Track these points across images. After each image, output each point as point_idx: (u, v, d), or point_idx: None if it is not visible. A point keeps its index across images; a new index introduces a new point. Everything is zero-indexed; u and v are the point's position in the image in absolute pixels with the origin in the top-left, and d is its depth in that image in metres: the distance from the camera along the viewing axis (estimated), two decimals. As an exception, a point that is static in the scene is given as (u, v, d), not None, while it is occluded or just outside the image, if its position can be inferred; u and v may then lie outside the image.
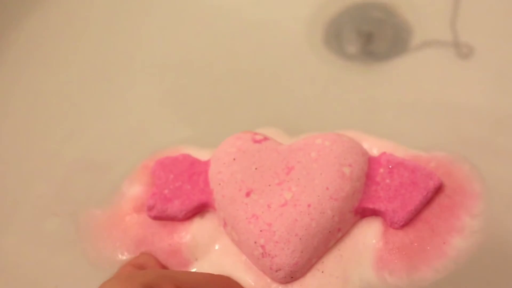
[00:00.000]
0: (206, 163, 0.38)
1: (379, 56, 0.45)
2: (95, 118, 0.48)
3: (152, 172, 0.39)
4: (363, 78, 0.44)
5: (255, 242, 0.33)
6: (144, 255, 0.36)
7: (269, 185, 0.35)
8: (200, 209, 0.37)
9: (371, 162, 0.36)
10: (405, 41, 0.45)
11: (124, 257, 0.37)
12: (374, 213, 0.35)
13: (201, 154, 0.39)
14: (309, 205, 0.33)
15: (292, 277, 0.33)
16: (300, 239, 0.33)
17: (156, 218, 0.38)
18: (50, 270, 0.40)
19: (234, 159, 0.36)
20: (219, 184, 0.36)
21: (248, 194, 0.34)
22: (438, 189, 0.35)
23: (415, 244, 0.33)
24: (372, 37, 0.46)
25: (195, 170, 0.38)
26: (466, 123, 0.41)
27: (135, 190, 0.40)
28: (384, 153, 0.37)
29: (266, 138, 0.37)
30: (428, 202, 0.35)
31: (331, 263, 0.34)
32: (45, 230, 0.41)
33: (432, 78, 0.43)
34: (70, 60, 0.52)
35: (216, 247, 0.36)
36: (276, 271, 0.33)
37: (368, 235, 0.35)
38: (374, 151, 0.38)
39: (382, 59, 0.45)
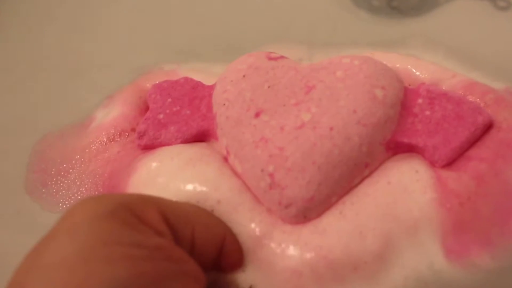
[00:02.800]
0: (211, 87, 0.32)
1: (408, 10, 0.41)
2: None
3: (148, 96, 0.33)
4: (390, 33, 0.39)
5: (262, 170, 0.27)
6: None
7: (284, 105, 0.29)
8: (199, 138, 0.31)
9: (408, 93, 0.30)
10: None
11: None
12: (411, 149, 0.29)
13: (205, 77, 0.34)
14: (331, 128, 0.27)
15: (305, 216, 0.27)
16: (318, 168, 0.26)
17: (147, 147, 0.32)
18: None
19: (243, 76, 0.30)
20: (224, 104, 0.29)
21: (257, 115, 0.28)
22: (489, 127, 0.29)
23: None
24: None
25: (197, 94, 0.32)
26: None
27: (114, 114, 0.35)
28: (423, 83, 0.30)
29: (283, 57, 0.31)
30: (476, 140, 0.28)
31: (356, 205, 0.27)
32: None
33: (469, 31, 0.38)
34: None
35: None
36: (286, 206, 0.27)
37: (413, 183, 0.27)
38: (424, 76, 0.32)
39: (410, 14, 0.41)
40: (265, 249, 0.27)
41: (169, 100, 0.32)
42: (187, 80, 0.33)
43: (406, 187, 0.27)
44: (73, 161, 0.34)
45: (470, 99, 0.30)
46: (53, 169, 0.34)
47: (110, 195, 0.24)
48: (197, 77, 0.33)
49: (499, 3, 0.40)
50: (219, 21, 0.44)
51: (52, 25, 0.46)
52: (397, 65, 0.31)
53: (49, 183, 0.34)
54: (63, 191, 0.33)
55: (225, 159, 0.29)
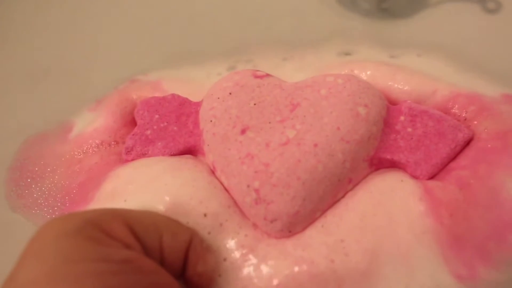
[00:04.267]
0: (198, 104, 0.33)
1: (397, 12, 0.41)
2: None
3: (135, 112, 0.34)
4: (379, 35, 0.39)
5: (248, 186, 0.28)
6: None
7: (269, 122, 0.29)
8: (186, 154, 0.32)
9: (390, 110, 0.31)
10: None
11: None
12: (393, 165, 0.29)
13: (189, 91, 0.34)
14: (315, 145, 0.28)
15: (290, 231, 0.27)
16: (303, 183, 0.27)
17: (134, 162, 0.32)
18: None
19: (230, 93, 0.31)
20: (211, 121, 0.30)
21: (243, 132, 0.29)
22: (469, 141, 0.30)
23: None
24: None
25: (184, 110, 0.33)
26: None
27: (97, 124, 0.35)
28: (405, 101, 0.31)
29: (268, 75, 0.32)
30: (456, 155, 0.29)
31: (337, 218, 0.28)
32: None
33: (458, 33, 0.38)
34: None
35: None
36: (272, 221, 0.27)
37: (398, 191, 0.28)
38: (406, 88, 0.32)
39: (400, 15, 0.41)
40: (248, 263, 0.27)
41: (157, 116, 0.33)
42: (174, 96, 0.33)
43: (392, 197, 0.27)
44: (50, 168, 0.34)
45: (454, 112, 0.31)
46: (29, 174, 0.34)
47: (76, 213, 0.24)
48: (181, 86, 0.34)
49: (488, 5, 0.41)
50: (204, 24, 0.44)
51: (38, 29, 0.47)
52: (380, 82, 0.32)
53: (23, 186, 0.34)
54: (36, 196, 0.33)
55: (212, 172, 0.30)
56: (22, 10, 0.48)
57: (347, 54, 0.37)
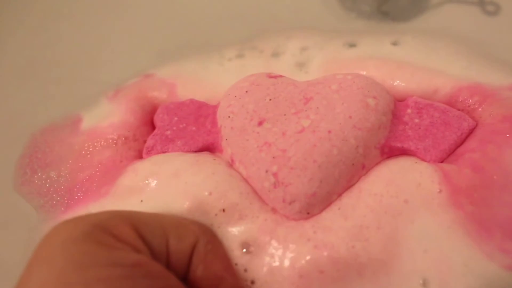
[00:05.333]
0: (215, 106, 0.35)
1: (398, 14, 0.43)
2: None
3: (155, 116, 0.35)
4: (380, 37, 0.40)
5: (267, 171, 0.29)
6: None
7: (285, 115, 0.31)
8: (205, 151, 0.33)
9: (397, 105, 0.33)
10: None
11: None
12: (403, 152, 0.31)
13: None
14: (329, 131, 0.29)
15: (308, 213, 0.29)
16: (319, 166, 0.28)
17: (154, 161, 0.33)
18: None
19: (246, 91, 0.33)
20: (229, 117, 0.32)
21: (260, 124, 0.31)
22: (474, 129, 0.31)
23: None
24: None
25: (202, 112, 0.35)
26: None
27: (115, 118, 0.36)
28: (411, 96, 0.33)
29: (281, 75, 0.34)
30: (462, 142, 0.31)
31: (355, 202, 0.29)
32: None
33: (459, 35, 0.39)
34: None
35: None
36: (290, 203, 0.28)
37: (413, 172, 0.29)
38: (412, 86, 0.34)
39: (402, 17, 0.42)
40: (269, 247, 0.28)
41: (176, 118, 0.34)
42: (192, 101, 0.35)
43: (407, 177, 0.29)
44: (59, 158, 0.35)
45: (459, 104, 0.32)
46: (37, 162, 0.35)
47: (83, 216, 0.23)
48: (195, 87, 0.36)
49: (488, 7, 0.42)
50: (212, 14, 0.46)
51: (54, 22, 0.48)
52: (388, 80, 0.34)
53: (29, 173, 0.35)
54: (47, 186, 0.34)
55: (230, 165, 0.31)
56: (30, 5, 0.50)
57: (351, 45, 0.39)
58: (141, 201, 0.30)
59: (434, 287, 0.26)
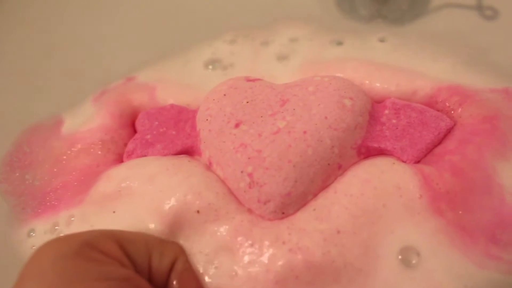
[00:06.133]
0: (195, 111, 0.35)
1: (395, 19, 0.43)
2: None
3: (136, 121, 0.36)
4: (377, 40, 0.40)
5: (242, 172, 0.29)
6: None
7: (261, 116, 0.31)
8: (184, 154, 0.33)
9: (375, 106, 0.33)
10: (425, 3, 0.43)
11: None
12: (380, 153, 0.31)
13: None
14: (305, 132, 0.29)
15: (283, 212, 0.28)
16: (294, 166, 0.28)
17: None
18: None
19: (224, 94, 0.33)
20: (207, 119, 0.32)
21: (237, 126, 0.31)
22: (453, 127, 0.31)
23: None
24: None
25: (182, 117, 0.35)
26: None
27: (95, 123, 0.36)
28: (388, 98, 0.33)
29: (259, 79, 0.34)
30: (440, 142, 0.31)
31: (330, 204, 0.29)
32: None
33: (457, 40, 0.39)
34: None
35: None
36: (265, 203, 0.28)
37: (390, 173, 0.29)
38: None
39: (398, 22, 0.42)
40: (244, 248, 0.28)
41: (156, 123, 0.35)
42: (173, 106, 0.36)
43: (383, 178, 0.28)
44: (37, 159, 0.35)
45: (438, 104, 0.33)
46: (16, 161, 0.36)
47: (71, 235, 0.25)
48: (176, 91, 0.37)
49: (486, 12, 0.42)
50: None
51: (40, 25, 0.49)
52: (366, 82, 0.34)
53: (13, 176, 0.35)
54: (22, 188, 0.34)
55: (208, 168, 0.31)
56: (11, 9, 0.51)
57: (338, 43, 0.39)
58: (114, 212, 0.30)
59: None
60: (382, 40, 0.39)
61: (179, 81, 0.38)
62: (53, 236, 0.31)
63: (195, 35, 0.43)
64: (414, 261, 0.27)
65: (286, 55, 0.39)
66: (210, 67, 0.40)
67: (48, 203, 0.33)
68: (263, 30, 0.41)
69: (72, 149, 0.35)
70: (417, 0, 0.44)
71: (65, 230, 0.32)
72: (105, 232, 0.26)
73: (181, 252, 0.28)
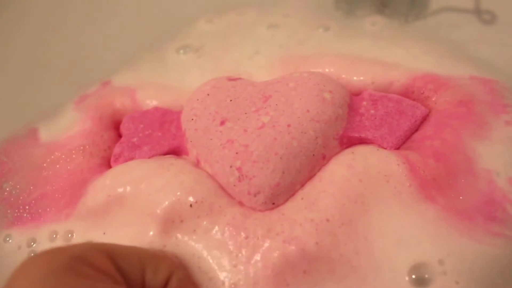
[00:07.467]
0: (179, 112, 0.36)
1: (394, 20, 0.43)
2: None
3: (121, 126, 0.36)
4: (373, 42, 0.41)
5: (231, 166, 0.30)
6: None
7: (245, 113, 0.32)
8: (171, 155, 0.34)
9: (353, 98, 0.34)
10: (424, 5, 0.44)
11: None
12: (362, 142, 0.32)
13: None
14: (289, 125, 0.30)
15: (273, 203, 0.29)
16: (280, 158, 0.29)
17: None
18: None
19: (208, 94, 0.34)
20: (192, 119, 0.33)
21: (222, 123, 0.32)
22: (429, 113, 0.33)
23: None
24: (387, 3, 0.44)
25: (166, 118, 0.36)
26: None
27: (78, 128, 0.36)
28: (365, 90, 0.35)
29: (241, 78, 0.36)
30: (417, 128, 0.32)
31: (317, 192, 0.30)
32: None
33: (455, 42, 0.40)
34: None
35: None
36: (255, 194, 0.29)
37: (374, 158, 0.30)
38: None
39: (397, 23, 0.43)
40: (238, 242, 0.28)
41: (141, 126, 0.35)
42: (157, 108, 0.36)
43: (368, 164, 0.30)
44: (14, 168, 0.35)
45: (414, 94, 0.34)
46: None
47: (61, 248, 0.23)
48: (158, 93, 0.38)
49: (484, 16, 0.43)
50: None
51: (20, 30, 0.50)
52: (343, 76, 0.35)
53: None
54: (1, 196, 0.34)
55: (196, 166, 0.32)
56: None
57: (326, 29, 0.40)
58: (104, 233, 0.31)
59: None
60: (373, 25, 0.41)
61: (155, 73, 0.39)
62: (36, 246, 0.31)
63: (164, 27, 0.44)
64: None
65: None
66: (182, 51, 0.41)
67: (24, 215, 0.33)
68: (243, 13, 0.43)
69: (52, 156, 0.35)
70: (416, 4, 0.45)
71: (47, 244, 0.31)
72: (97, 246, 0.25)
73: (177, 267, 0.27)
